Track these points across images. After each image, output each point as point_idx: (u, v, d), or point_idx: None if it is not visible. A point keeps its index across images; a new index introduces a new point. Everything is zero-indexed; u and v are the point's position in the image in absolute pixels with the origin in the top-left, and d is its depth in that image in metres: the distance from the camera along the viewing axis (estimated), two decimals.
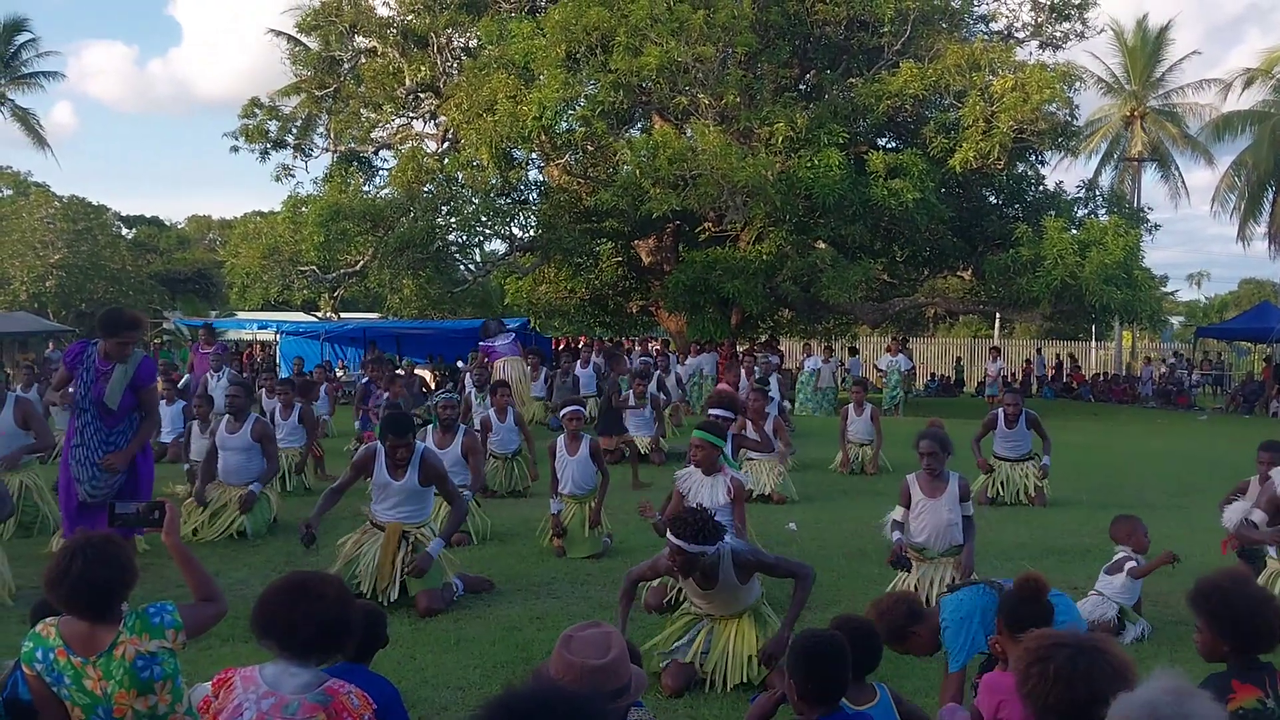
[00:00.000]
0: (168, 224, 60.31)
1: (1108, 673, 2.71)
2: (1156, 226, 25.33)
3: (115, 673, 3.42)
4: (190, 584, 3.84)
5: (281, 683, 3.08)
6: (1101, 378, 33.43)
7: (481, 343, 16.22)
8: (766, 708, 3.95)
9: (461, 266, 26.71)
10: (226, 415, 9.42)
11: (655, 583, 6.52)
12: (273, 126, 28.43)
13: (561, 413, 8.94)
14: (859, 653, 3.92)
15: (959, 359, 36.95)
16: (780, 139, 21.10)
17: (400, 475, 6.78)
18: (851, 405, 13.42)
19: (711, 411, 8.16)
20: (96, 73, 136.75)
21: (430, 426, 9.18)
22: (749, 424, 10.77)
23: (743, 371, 15.51)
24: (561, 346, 32.10)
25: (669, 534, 4.99)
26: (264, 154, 28.46)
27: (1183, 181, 39.85)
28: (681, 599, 5.88)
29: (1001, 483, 11.10)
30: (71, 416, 6.87)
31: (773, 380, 17.02)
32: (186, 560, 3.87)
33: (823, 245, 22.99)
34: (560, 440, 8.72)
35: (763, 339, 27.49)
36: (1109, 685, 2.58)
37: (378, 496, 6.89)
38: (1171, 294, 60.13)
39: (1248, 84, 37.00)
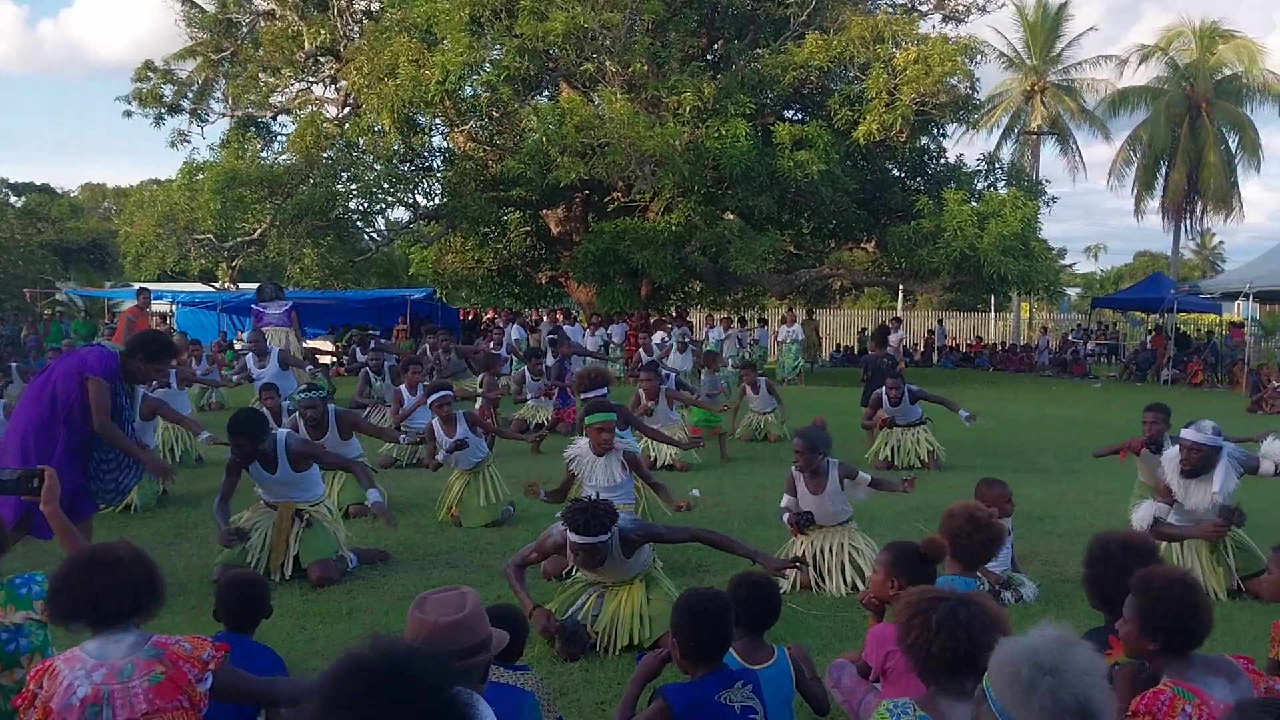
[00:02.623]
0: (60, 192, 58.25)
1: (986, 623, 2.80)
2: (1054, 199, 25.91)
3: None
4: (69, 553, 3.71)
5: (107, 651, 2.99)
6: (1000, 347, 34.18)
7: (254, 306, 15.71)
8: (652, 666, 3.94)
9: (365, 235, 26.24)
10: None
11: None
12: (168, 91, 27.63)
13: (431, 399, 8.63)
14: (756, 608, 3.92)
15: (863, 330, 37.42)
16: (688, 109, 21.06)
17: (274, 469, 6.59)
18: (747, 387, 13.23)
19: (585, 396, 8.32)
20: None
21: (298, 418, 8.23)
22: (644, 404, 10.86)
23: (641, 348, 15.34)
24: (470, 318, 31.84)
25: (567, 532, 4.96)
26: (159, 119, 27.67)
27: (1080, 156, 40.91)
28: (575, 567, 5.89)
29: (894, 447, 11.30)
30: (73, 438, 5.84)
31: (688, 352, 17.05)
32: (65, 529, 3.76)
33: (730, 216, 23.04)
34: (435, 424, 8.52)
35: (672, 310, 27.51)
36: (988, 635, 2.68)
37: (264, 491, 6.74)
38: (1070, 266, 61.81)
39: (1143, 60, 38.07)
